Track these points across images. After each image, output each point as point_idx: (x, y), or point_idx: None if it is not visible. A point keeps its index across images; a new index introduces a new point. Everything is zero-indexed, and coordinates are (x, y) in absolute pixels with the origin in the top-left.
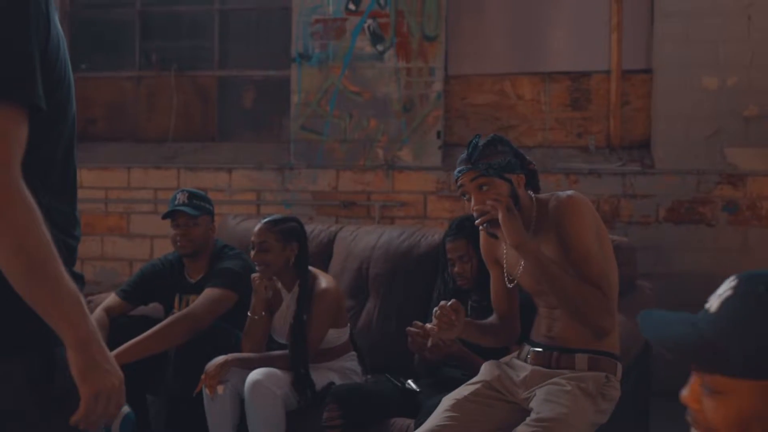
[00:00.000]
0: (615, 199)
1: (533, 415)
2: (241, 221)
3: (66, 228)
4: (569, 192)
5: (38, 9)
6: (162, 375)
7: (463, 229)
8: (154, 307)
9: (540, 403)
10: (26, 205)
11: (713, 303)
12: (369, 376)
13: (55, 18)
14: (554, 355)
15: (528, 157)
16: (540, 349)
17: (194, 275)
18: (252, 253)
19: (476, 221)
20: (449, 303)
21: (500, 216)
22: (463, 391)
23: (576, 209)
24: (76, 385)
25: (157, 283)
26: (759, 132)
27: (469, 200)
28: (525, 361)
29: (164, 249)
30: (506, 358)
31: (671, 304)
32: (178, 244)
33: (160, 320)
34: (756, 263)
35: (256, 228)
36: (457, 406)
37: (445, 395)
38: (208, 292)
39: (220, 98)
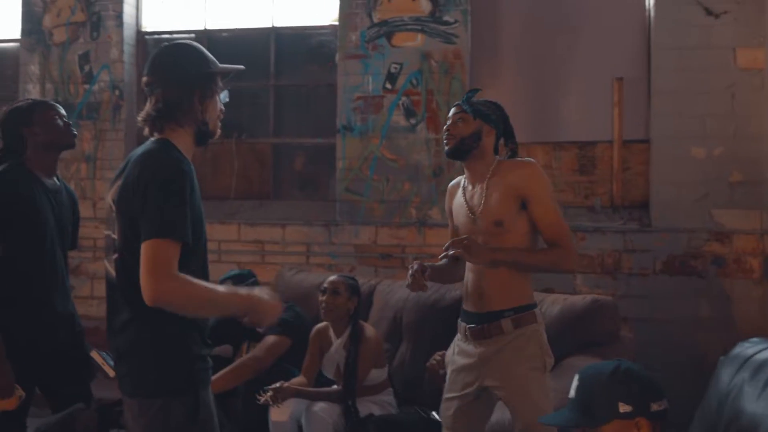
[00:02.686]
0: (617, 253)
1: (519, 425)
2: (295, 273)
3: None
4: (529, 159)
5: (188, 180)
6: (233, 405)
7: None
8: (224, 348)
9: (516, 406)
10: (192, 287)
11: (570, 391)
12: (402, 408)
13: (196, 182)
14: (485, 327)
15: (515, 137)
16: (473, 325)
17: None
18: (324, 296)
19: (445, 139)
20: (415, 267)
21: (464, 255)
22: (447, 410)
23: (536, 171)
24: (211, 417)
25: (229, 331)
26: (742, 196)
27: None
28: (466, 339)
29: None
30: (456, 343)
31: (665, 345)
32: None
33: (230, 360)
34: (741, 311)
35: (332, 278)
36: (451, 428)
37: None
38: (268, 339)
39: (275, 162)
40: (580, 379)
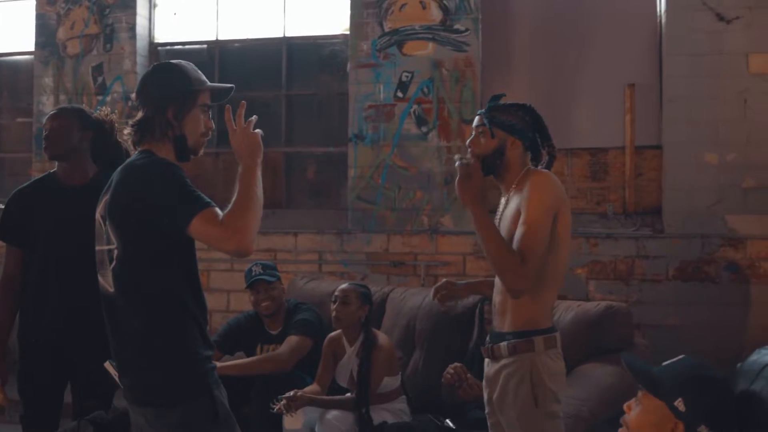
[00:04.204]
0: (630, 259)
1: None
2: (307, 282)
3: (202, 315)
4: (542, 170)
5: (180, 170)
6: (244, 413)
7: None
8: (239, 356)
9: None
10: (243, 216)
11: (666, 362)
12: (415, 416)
13: None
14: (491, 347)
15: (552, 141)
16: (488, 341)
17: (273, 328)
18: (335, 305)
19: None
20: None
21: (457, 178)
22: (489, 424)
23: (538, 183)
24: (229, 413)
25: (242, 335)
26: (756, 201)
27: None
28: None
29: (239, 301)
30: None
31: (678, 352)
32: (262, 305)
33: None
34: (755, 316)
35: (342, 286)
36: None
37: None
38: (291, 339)
39: (287, 171)
40: (684, 356)
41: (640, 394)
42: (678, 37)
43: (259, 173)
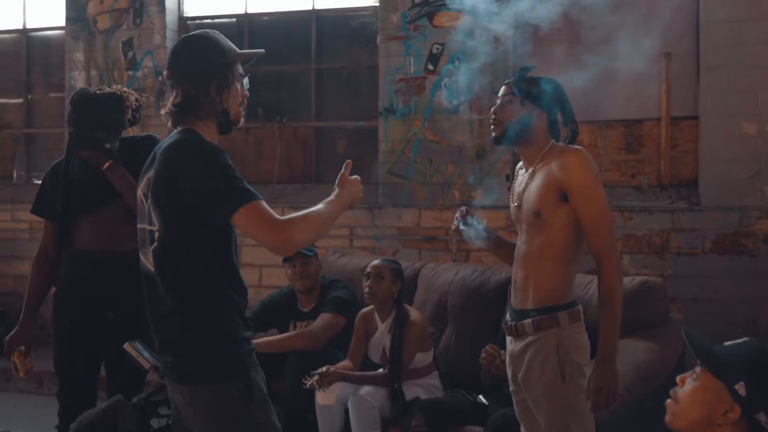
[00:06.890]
0: (665, 233)
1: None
2: (339, 257)
3: (242, 297)
4: (576, 146)
5: (226, 155)
6: (280, 389)
7: None
8: (271, 333)
9: (536, 415)
10: (304, 220)
11: (729, 343)
12: (448, 391)
13: None
14: (514, 325)
15: (575, 119)
16: (509, 320)
17: (306, 305)
18: (368, 281)
19: (492, 123)
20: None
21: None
22: (515, 404)
23: (580, 162)
24: (264, 395)
25: (276, 313)
26: None
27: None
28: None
29: (271, 276)
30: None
31: (715, 326)
32: (298, 280)
33: None
34: None
35: (375, 262)
36: (522, 421)
37: (507, 408)
38: (324, 316)
39: (317, 145)
40: (749, 338)
41: (698, 369)
42: (716, 4)
43: (339, 213)
